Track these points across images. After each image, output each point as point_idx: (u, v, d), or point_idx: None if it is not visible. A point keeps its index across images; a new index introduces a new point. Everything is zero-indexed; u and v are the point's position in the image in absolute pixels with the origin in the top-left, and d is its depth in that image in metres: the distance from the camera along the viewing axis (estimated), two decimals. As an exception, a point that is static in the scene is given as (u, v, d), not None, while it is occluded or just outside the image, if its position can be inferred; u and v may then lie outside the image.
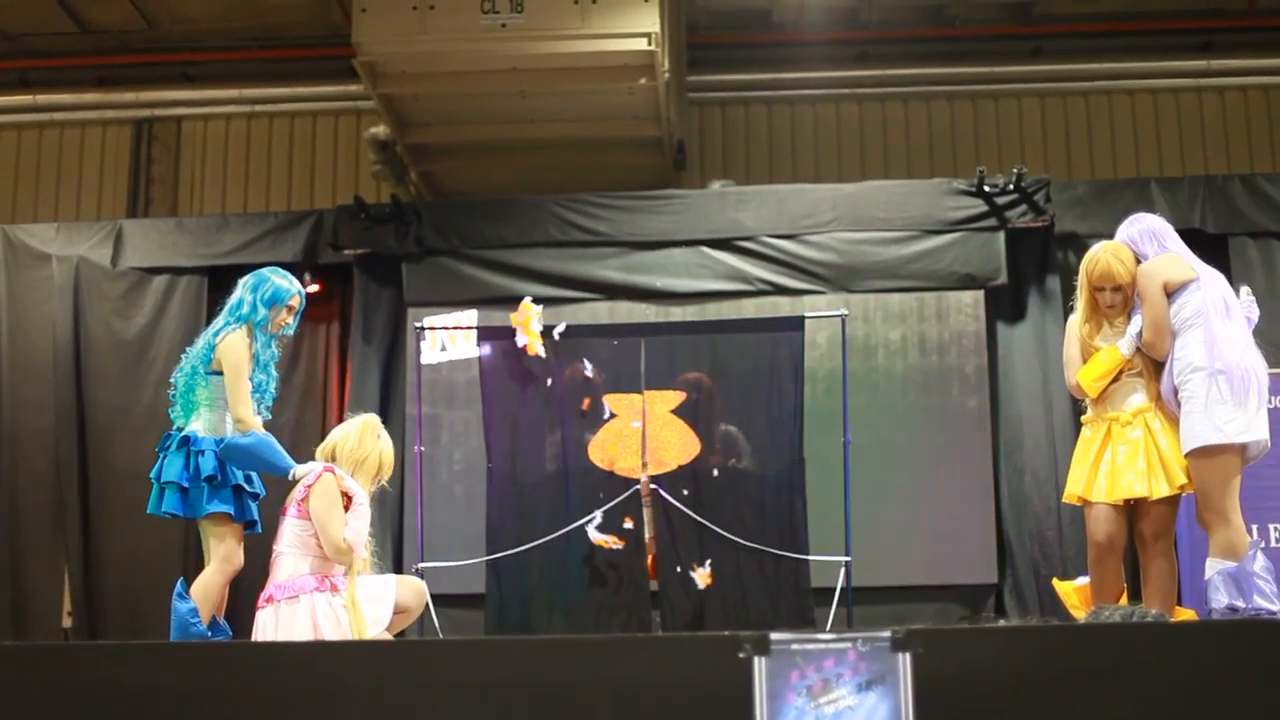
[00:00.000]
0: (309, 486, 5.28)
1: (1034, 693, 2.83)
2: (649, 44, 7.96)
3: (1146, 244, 5.47)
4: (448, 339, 8.37)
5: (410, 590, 5.55)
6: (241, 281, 5.76)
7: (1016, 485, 8.33)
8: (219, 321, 5.67)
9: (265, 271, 5.78)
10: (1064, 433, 8.19)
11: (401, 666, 3.00)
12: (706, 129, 9.97)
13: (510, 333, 7.30)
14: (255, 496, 5.59)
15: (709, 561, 6.99)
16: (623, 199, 8.74)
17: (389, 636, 5.36)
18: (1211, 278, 5.37)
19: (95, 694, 3.02)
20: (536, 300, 7.25)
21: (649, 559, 7.09)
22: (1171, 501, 5.39)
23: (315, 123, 10.12)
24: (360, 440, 5.46)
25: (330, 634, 5.04)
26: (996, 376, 8.50)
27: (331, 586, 5.19)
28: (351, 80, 8.80)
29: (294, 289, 5.76)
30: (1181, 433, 5.21)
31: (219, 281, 8.97)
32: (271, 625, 5.11)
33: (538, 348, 7.14)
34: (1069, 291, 8.18)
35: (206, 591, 5.37)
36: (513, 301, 8.52)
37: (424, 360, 7.94)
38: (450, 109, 8.77)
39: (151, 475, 5.52)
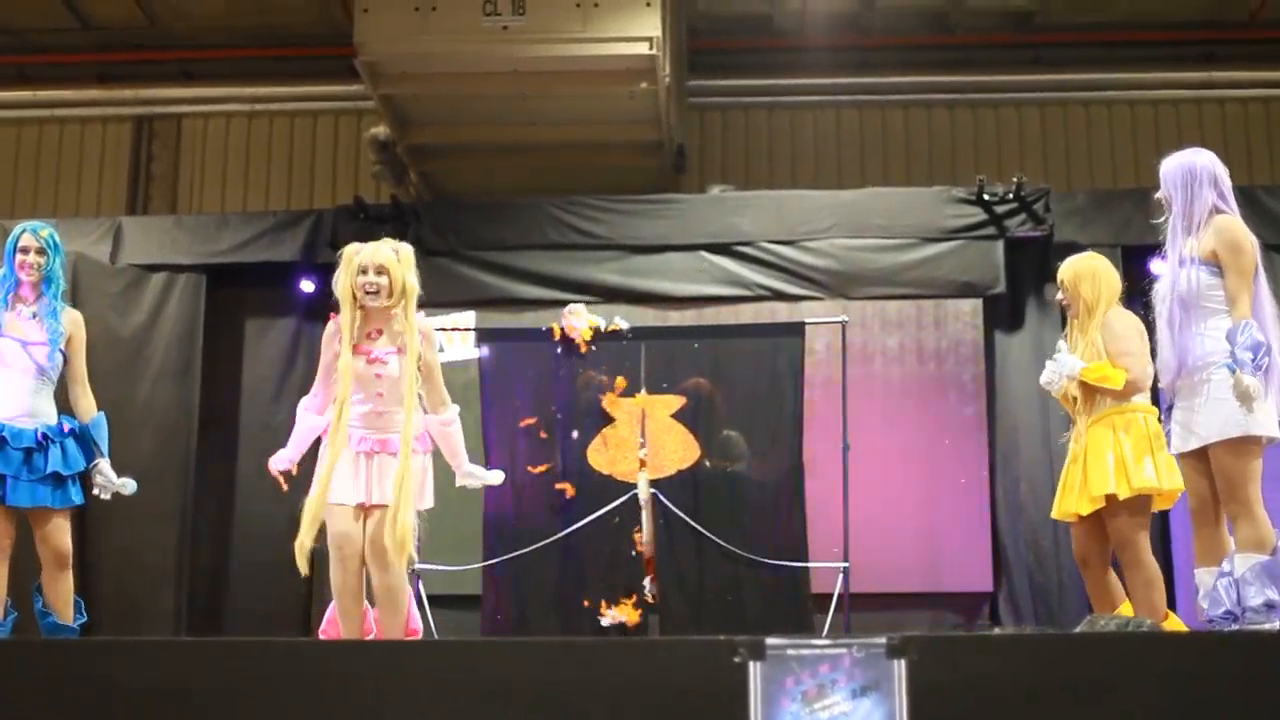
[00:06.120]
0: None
1: (1027, 701, 2.83)
2: (650, 48, 7.96)
3: (1205, 187, 4.73)
4: (446, 340, 8.40)
5: None
6: None
7: (1012, 493, 8.32)
8: None
9: None
10: (1060, 442, 8.19)
11: (396, 666, 3.00)
12: (706, 134, 9.97)
13: (508, 334, 7.28)
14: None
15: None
16: (622, 202, 8.74)
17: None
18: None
19: (92, 689, 3.02)
20: (531, 302, 7.22)
21: (647, 563, 7.09)
22: (1126, 507, 5.20)
23: (316, 122, 10.11)
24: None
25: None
26: (994, 385, 8.49)
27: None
28: (352, 80, 8.79)
29: (13, 235, 5.56)
30: (1207, 420, 4.63)
31: (217, 280, 8.98)
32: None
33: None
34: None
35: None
36: (511, 303, 8.57)
37: (422, 361, 7.92)
38: (451, 110, 8.77)
39: (9, 470, 5.62)
